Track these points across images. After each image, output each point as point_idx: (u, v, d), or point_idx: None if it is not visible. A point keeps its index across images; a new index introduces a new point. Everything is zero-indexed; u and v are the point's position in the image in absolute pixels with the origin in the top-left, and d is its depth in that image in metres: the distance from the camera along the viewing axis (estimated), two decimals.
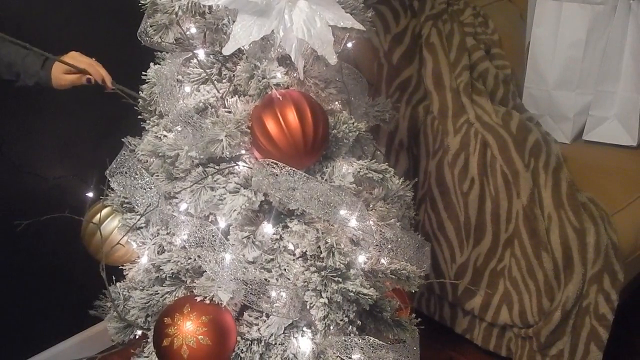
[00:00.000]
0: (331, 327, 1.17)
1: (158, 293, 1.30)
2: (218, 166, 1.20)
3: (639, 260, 1.87)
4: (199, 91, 1.24)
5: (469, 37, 2.03)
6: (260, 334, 1.24)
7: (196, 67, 1.25)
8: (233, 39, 1.07)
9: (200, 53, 1.25)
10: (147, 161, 1.31)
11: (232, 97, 1.22)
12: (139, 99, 1.34)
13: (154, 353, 1.25)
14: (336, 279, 1.14)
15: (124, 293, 1.35)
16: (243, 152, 1.21)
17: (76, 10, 1.68)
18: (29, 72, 1.31)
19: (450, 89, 1.88)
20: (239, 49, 1.10)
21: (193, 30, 1.25)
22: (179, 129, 1.22)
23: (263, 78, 1.16)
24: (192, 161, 1.21)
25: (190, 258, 1.26)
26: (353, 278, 1.16)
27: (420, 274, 1.34)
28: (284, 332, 1.25)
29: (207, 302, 1.20)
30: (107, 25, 1.73)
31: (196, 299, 1.21)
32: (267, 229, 1.21)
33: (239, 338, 1.24)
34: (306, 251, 1.18)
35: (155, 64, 1.33)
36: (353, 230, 1.21)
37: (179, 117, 1.20)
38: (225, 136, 1.13)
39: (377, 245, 1.26)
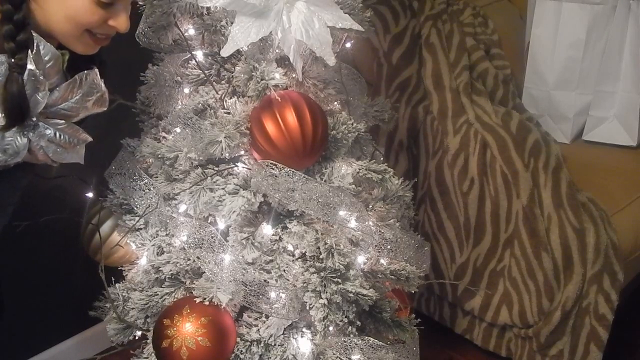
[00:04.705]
0: (331, 328, 1.17)
1: (157, 294, 1.30)
2: (217, 167, 1.20)
3: (639, 260, 1.86)
4: (198, 92, 1.24)
5: (469, 37, 2.03)
6: (259, 335, 1.24)
7: (195, 69, 1.25)
8: (231, 41, 1.07)
9: (199, 54, 1.25)
10: (146, 162, 1.31)
11: (231, 98, 1.21)
12: (138, 100, 1.34)
13: (153, 354, 1.25)
14: (335, 279, 1.14)
15: (123, 294, 1.35)
16: (242, 153, 1.21)
17: None
18: None
19: (449, 89, 1.88)
20: (237, 50, 1.10)
21: (191, 31, 1.24)
22: (178, 130, 1.22)
23: (262, 79, 1.16)
24: (191, 162, 1.21)
25: (189, 259, 1.25)
26: (352, 279, 1.16)
27: (420, 274, 1.34)
28: (283, 333, 1.25)
29: (207, 303, 1.20)
30: None
31: (195, 300, 1.21)
32: (267, 230, 1.21)
33: (238, 339, 1.23)
34: (305, 252, 1.18)
35: (153, 65, 1.33)
36: (352, 230, 1.21)
37: (178, 119, 1.20)
38: (224, 137, 1.12)
39: (376, 245, 1.25)
